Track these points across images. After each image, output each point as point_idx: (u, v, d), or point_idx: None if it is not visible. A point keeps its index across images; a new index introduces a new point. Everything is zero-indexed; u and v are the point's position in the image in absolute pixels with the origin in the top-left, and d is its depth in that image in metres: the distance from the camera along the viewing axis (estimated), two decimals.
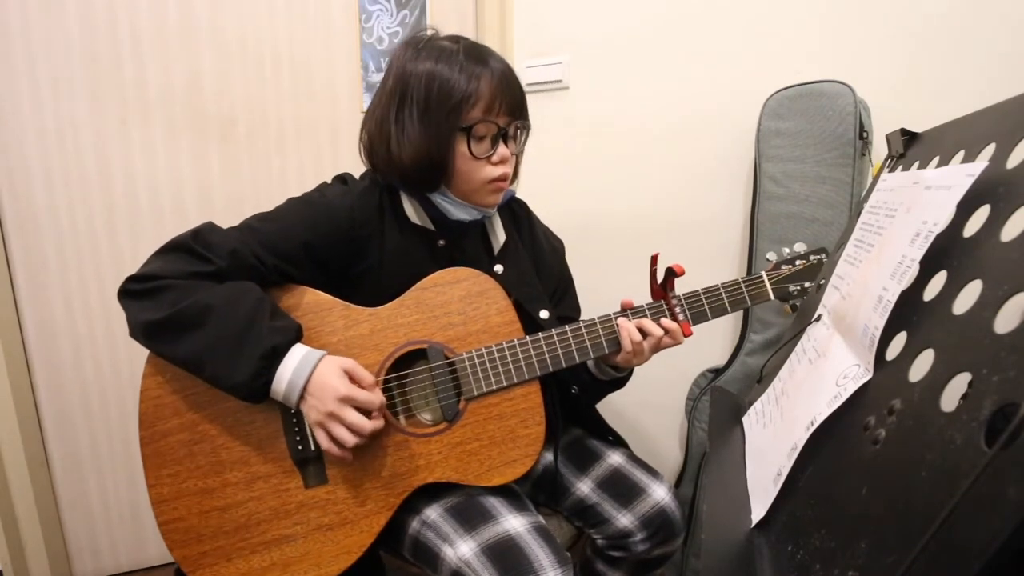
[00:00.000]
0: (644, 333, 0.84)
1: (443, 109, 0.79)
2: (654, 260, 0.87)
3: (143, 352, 0.77)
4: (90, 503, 1.39)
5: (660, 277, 0.88)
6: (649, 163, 1.38)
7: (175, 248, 0.77)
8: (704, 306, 0.87)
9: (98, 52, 1.23)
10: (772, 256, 0.91)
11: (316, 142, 1.41)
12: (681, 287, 0.88)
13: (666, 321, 0.85)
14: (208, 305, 0.72)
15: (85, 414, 1.34)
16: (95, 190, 1.27)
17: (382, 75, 0.84)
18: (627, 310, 0.86)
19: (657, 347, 0.86)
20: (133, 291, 0.75)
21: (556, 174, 1.45)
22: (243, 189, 1.36)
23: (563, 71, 1.41)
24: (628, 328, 0.84)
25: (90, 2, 1.21)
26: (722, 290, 0.87)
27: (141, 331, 0.74)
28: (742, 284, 0.88)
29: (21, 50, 1.19)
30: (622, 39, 1.36)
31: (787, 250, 0.90)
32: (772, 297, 0.88)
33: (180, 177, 1.32)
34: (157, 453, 0.76)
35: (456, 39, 0.84)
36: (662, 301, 0.87)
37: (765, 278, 0.88)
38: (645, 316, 0.86)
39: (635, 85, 1.36)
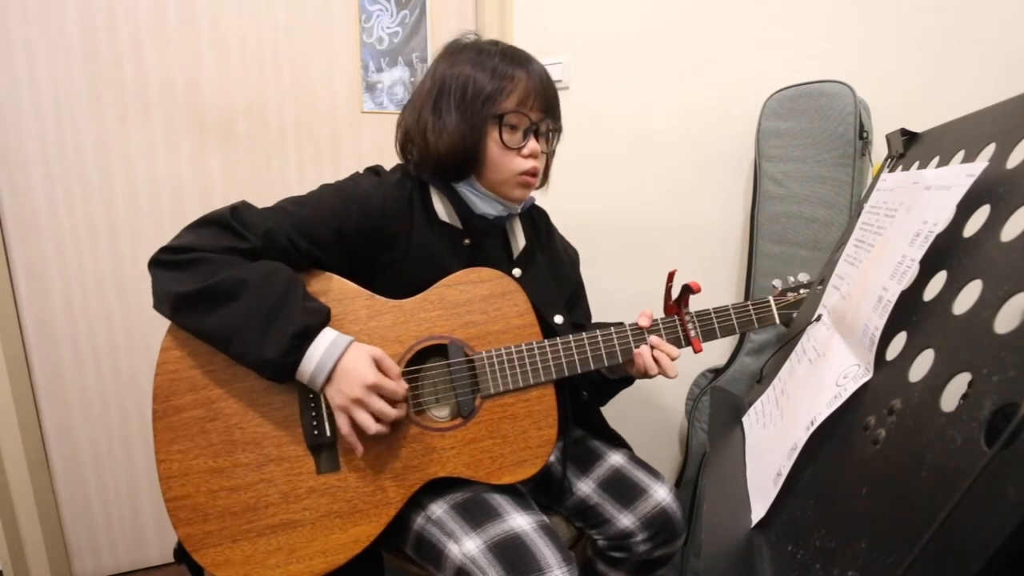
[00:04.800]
0: (659, 362, 0.87)
1: (479, 98, 0.82)
2: (671, 277, 0.89)
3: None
4: (90, 503, 1.38)
5: (675, 293, 0.90)
6: (649, 163, 1.38)
7: (211, 223, 0.77)
8: (714, 324, 0.90)
9: (98, 52, 1.23)
10: (778, 283, 0.94)
11: (316, 142, 1.41)
12: (680, 285, 0.89)
13: (671, 348, 0.88)
14: (243, 280, 0.72)
15: (85, 414, 1.34)
16: (95, 190, 1.27)
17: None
18: (643, 329, 0.88)
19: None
20: (166, 261, 0.74)
21: (556, 174, 1.45)
22: (243, 189, 1.36)
23: (563, 71, 1.41)
24: (645, 358, 0.86)
25: (90, 2, 1.21)
26: (732, 311, 0.90)
27: (170, 302, 0.73)
28: (751, 307, 0.91)
29: (21, 50, 1.19)
30: (622, 39, 1.36)
31: (792, 279, 0.94)
32: (778, 321, 0.91)
33: (180, 177, 1.32)
34: (169, 428, 0.76)
35: (495, 43, 0.87)
36: (675, 317, 0.89)
37: (772, 303, 0.92)
38: (660, 333, 0.88)
39: (635, 85, 1.36)
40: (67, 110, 1.23)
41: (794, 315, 0.91)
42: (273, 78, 1.35)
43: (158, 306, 0.76)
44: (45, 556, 1.33)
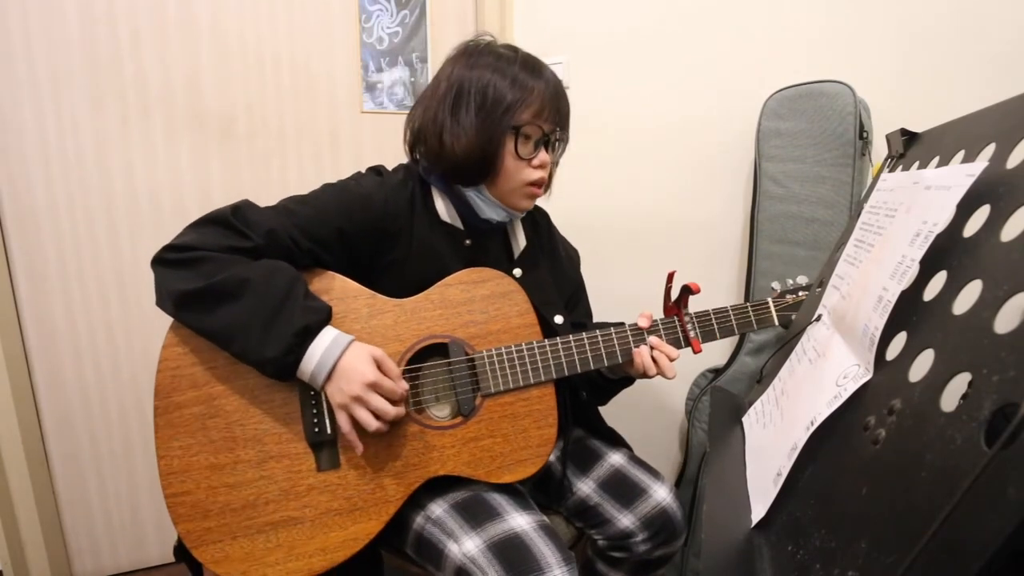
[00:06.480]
0: (657, 363, 0.87)
1: (499, 108, 0.82)
2: (670, 277, 0.90)
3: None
4: (90, 503, 1.38)
5: (675, 294, 0.90)
6: (649, 163, 1.38)
7: (213, 221, 0.77)
8: (714, 326, 0.91)
9: (98, 52, 1.23)
10: (777, 285, 0.95)
11: (316, 142, 1.41)
12: (680, 286, 0.89)
13: (670, 349, 0.88)
14: (245, 279, 0.72)
15: (85, 414, 1.34)
16: (95, 190, 1.27)
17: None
18: (642, 330, 0.88)
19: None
20: (169, 260, 0.75)
21: (556, 174, 1.45)
22: (243, 189, 1.36)
23: (563, 71, 1.41)
24: (644, 358, 0.87)
25: (90, 2, 1.21)
26: (731, 313, 0.91)
27: (173, 300, 0.74)
28: (750, 309, 0.92)
29: (21, 50, 1.19)
30: (622, 39, 1.36)
31: (791, 281, 0.95)
32: (776, 323, 0.92)
33: (180, 177, 1.32)
34: (170, 424, 0.76)
35: (514, 49, 0.87)
36: (675, 318, 0.90)
37: (771, 305, 0.92)
38: (659, 334, 0.89)
39: (635, 85, 1.36)
40: (67, 110, 1.23)
41: (792, 317, 0.92)
42: (273, 78, 1.35)
43: (161, 303, 0.76)
44: (45, 556, 1.33)
